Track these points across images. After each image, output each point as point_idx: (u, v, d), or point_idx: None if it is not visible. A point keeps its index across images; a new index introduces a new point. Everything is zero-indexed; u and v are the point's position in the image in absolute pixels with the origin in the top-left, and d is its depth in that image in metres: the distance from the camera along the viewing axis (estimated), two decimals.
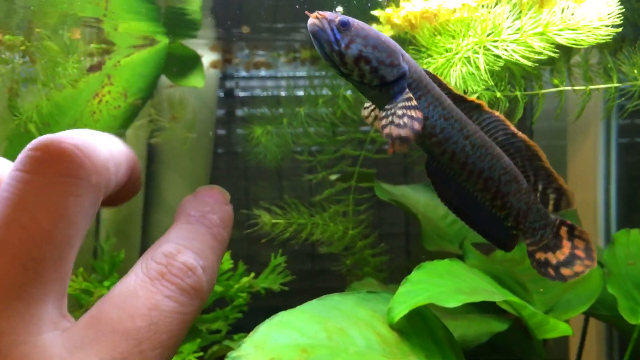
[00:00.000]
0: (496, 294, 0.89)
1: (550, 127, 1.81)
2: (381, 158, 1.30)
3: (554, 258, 0.74)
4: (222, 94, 1.70)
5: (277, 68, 1.62)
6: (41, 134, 1.10)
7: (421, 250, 1.29)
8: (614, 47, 1.10)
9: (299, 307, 0.87)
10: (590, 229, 1.55)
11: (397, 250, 1.46)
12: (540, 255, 0.75)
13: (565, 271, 0.74)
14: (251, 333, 0.83)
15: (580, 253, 0.73)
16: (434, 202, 1.35)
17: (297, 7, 1.08)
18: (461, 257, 1.10)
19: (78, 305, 1.15)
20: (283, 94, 1.70)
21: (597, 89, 1.01)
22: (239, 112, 1.73)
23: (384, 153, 1.30)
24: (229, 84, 1.72)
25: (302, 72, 1.64)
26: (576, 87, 0.98)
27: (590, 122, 1.57)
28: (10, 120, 1.11)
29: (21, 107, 1.10)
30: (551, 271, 0.74)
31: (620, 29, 0.74)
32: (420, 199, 1.35)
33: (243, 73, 1.70)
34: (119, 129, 1.11)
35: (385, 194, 1.28)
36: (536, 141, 2.01)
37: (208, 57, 1.42)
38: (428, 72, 0.66)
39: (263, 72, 1.71)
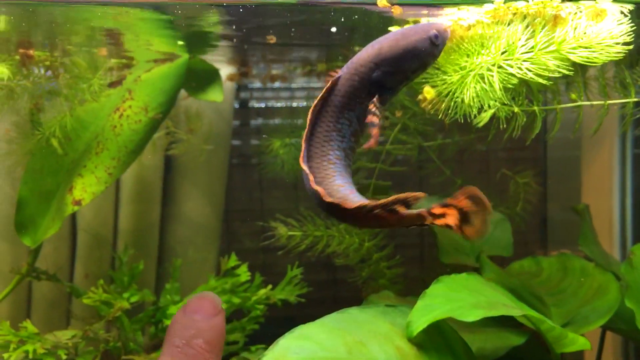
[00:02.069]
0: (514, 308, 0.89)
1: (564, 138, 1.81)
2: (397, 170, 1.31)
3: None
4: (236, 105, 1.72)
5: (292, 80, 1.64)
6: (63, 148, 1.13)
7: (437, 262, 1.29)
8: (630, 60, 1.10)
9: (318, 320, 0.88)
10: (606, 240, 1.54)
11: (412, 261, 1.47)
12: None
13: None
14: (272, 346, 0.84)
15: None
16: None
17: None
18: (477, 270, 1.10)
19: (98, 317, 1.17)
20: (295, 105, 1.72)
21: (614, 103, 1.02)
22: (254, 124, 1.75)
23: (400, 165, 1.31)
24: (244, 95, 1.73)
25: (316, 84, 1.65)
26: (594, 102, 0.99)
27: (605, 133, 1.56)
28: (32, 135, 1.13)
29: (44, 121, 1.12)
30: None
31: (631, 47, 0.75)
32: None
33: (258, 84, 1.72)
34: (140, 143, 1.12)
35: None
36: (550, 152, 1.99)
37: (225, 71, 1.44)
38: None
39: (278, 84, 1.72)
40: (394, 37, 0.75)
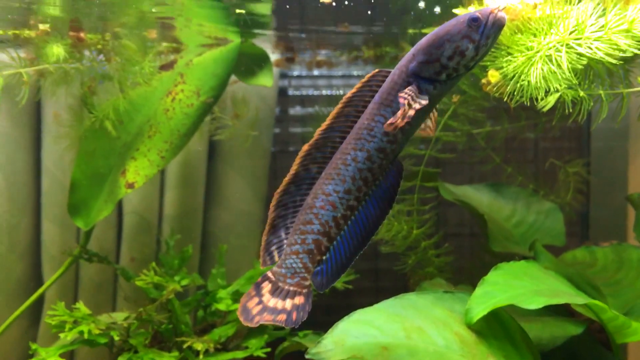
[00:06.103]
0: (576, 297, 0.88)
1: (609, 128, 1.76)
2: (446, 157, 1.29)
3: None
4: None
5: (337, 66, 1.62)
6: (116, 131, 1.13)
7: (485, 251, 1.27)
8: None
9: (376, 306, 0.87)
10: None
11: (458, 250, 1.45)
12: None
13: None
14: (330, 330, 0.84)
15: None
16: (497, 202, 1.34)
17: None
18: (527, 259, 1.08)
19: (147, 300, 1.17)
20: (334, 93, 1.70)
21: None
22: (292, 111, 1.74)
23: (449, 153, 1.29)
24: (282, 82, 1.72)
25: (358, 71, 1.64)
26: None
27: None
28: (86, 118, 1.14)
29: (96, 104, 1.13)
30: None
31: None
32: (484, 200, 1.34)
33: (296, 72, 1.71)
34: (192, 127, 1.13)
35: (449, 193, 1.27)
36: (594, 143, 1.94)
37: (271, 57, 1.43)
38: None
39: (316, 72, 1.71)
40: (437, 28, 0.74)
